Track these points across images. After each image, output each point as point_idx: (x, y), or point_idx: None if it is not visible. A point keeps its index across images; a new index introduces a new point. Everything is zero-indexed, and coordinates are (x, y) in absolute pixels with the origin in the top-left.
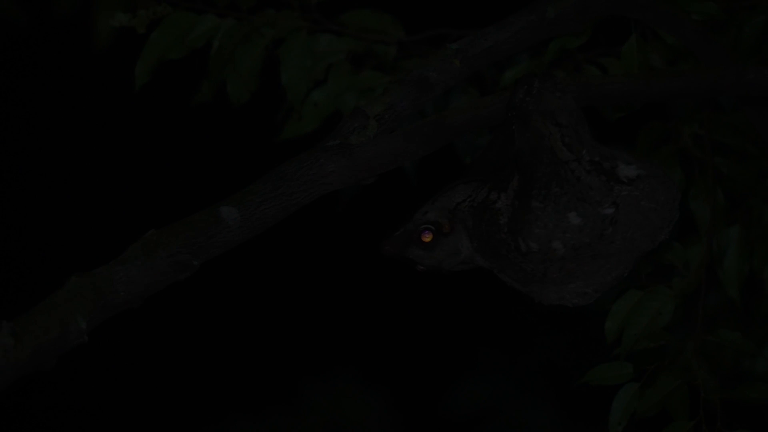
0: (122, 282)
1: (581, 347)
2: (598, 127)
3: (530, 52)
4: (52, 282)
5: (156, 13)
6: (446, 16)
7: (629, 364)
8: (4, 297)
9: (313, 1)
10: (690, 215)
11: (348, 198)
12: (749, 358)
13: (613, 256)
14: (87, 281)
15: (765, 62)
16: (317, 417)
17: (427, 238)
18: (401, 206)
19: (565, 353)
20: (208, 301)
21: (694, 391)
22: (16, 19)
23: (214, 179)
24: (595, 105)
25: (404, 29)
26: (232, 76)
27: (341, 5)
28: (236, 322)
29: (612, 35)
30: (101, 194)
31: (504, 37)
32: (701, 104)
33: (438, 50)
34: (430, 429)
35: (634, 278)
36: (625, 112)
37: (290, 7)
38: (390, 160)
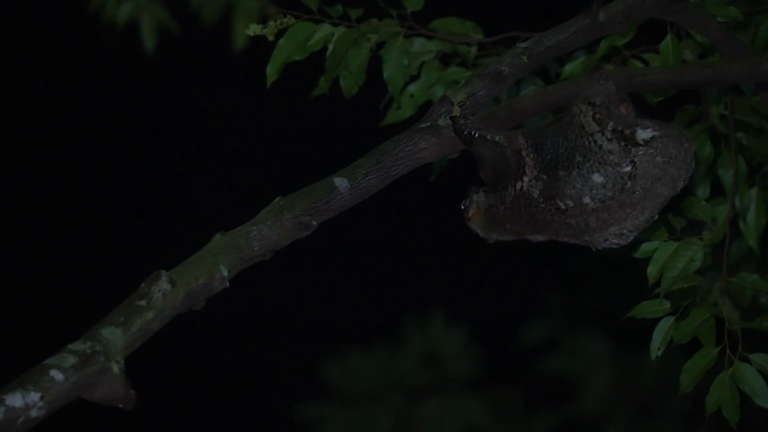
0: (256, 239)
1: (628, 288)
2: (642, 109)
3: (585, 49)
4: (201, 240)
5: (283, 24)
6: (517, 22)
7: (667, 301)
8: (164, 253)
9: (408, 12)
10: (717, 180)
11: (437, 169)
12: (765, 296)
13: (637, 204)
14: (228, 239)
15: None
16: (413, 347)
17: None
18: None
19: (615, 293)
20: (331, 255)
21: (720, 323)
22: (173, 29)
23: (330, 156)
24: (639, 91)
25: (483, 33)
26: (344, 73)
27: (432, 14)
28: (352, 271)
29: (652, 35)
30: (239, 167)
31: (563, 37)
32: (726, 90)
33: (510, 49)
34: (503, 357)
35: (673, 231)
36: (664, 97)
37: (390, 16)
38: None
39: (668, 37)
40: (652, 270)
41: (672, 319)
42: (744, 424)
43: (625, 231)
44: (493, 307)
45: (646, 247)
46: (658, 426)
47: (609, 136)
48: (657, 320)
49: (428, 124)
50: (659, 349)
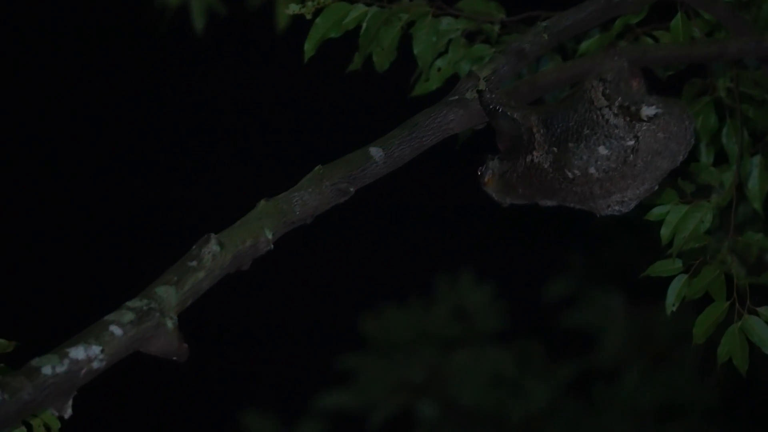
0: (298, 204)
1: (642, 248)
2: (653, 83)
3: (601, 27)
4: (247, 206)
5: (319, 4)
6: (537, 2)
7: (679, 260)
8: (213, 218)
9: None
10: (723, 148)
11: (464, 139)
12: None
13: (638, 176)
14: (272, 204)
15: None
16: (445, 303)
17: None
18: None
19: (631, 253)
20: (369, 219)
21: (729, 279)
22: (220, 10)
23: (364, 127)
24: (650, 66)
25: (505, 12)
26: (377, 50)
27: None
28: (388, 234)
29: (663, 13)
30: (282, 138)
31: (581, 17)
32: (731, 64)
33: (531, 28)
34: (527, 311)
35: (683, 195)
36: (673, 71)
37: None
38: None
39: (678, 16)
40: (664, 231)
41: (685, 276)
42: (752, 372)
43: (626, 199)
44: (518, 266)
45: (658, 210)
46: (672, 375)
47: (615, 111)
48: (671, 278)
49: (456, 97)
50: (674, 305)
